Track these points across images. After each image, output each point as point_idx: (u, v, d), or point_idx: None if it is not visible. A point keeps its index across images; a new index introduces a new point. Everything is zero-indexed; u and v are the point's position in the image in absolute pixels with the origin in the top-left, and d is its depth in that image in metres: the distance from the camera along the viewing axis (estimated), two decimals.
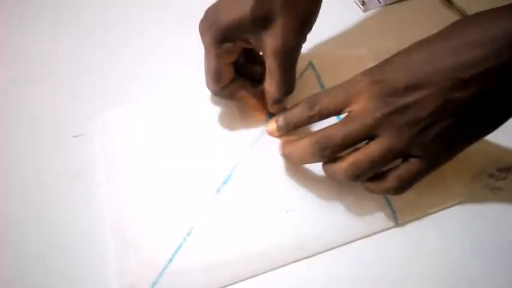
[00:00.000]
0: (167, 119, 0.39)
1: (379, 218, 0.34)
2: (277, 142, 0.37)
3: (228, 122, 0.39)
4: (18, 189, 0.35)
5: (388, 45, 0.36)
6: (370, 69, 0.32)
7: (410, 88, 0.29)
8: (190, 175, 0.36)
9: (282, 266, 0.33)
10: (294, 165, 0.36)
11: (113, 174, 0.36)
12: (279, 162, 0.37)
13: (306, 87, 0.41)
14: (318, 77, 0.42)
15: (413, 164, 0.31)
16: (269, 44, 0.33)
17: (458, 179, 0.36)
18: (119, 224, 0.33)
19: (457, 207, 0.35)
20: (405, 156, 0.31)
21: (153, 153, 0.37)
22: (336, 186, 0.35)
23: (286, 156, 0.35)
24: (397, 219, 0.34)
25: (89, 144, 0.37)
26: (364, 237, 0.34)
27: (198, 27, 0.35)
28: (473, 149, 0.32)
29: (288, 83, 0.35)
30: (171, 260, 0.32)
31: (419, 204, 0.35)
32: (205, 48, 0.35)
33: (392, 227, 0.34)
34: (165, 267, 0.32)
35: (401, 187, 0.31)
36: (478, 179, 0.37)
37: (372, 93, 0.30)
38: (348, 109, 0.32)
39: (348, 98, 0.31)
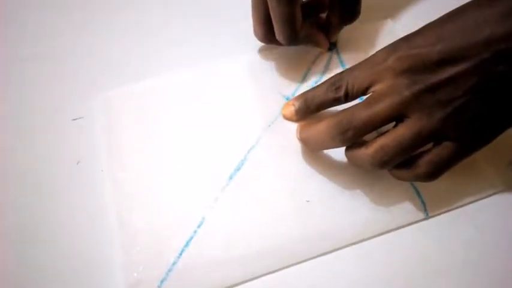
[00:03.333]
0: (176, 100, 0.36)
1: (408, 210, 0.32)
2: (295, 125, 0.34)
3: (242, 103, 0.36)
4: (14, 178, 0.33)
5: (418, 16, 0.35)
6: (396, 42, 0.29)
7: (442, 63, 0.27)
8: (201, 161, 0.33)
9: (302, 261, 0.30)
10: (313, 151, 0.34)
11: (117, 160, 0.33)
12: (297, 147, 0.34)
13: (323, 64, 0.38)
14: (338, 53, 0.39)
15: (446, 148, 0.28)
16: None
17: (493, 167, 0.34)
18: (124, 216, 0.31)
19: (492, 198, 0.33)
20: (437, 139, 0.28)
21: (160, 137, 0.35)
22: (360, 175, 0.33)
23: (303, 141, 0.33)
24: (427, 211, 0.32)
25: (90, 127, 0.35)
26: (391, 230, 0.31)
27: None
28: (509, 133, 0.29)
29: (357, 8, 0.36)
30: (180, 254, 0.30)
31: (450, 195, 0.33)
32: None
33: (422, 220, 0.32)
34: (174, 263, 0.30)
35: (433, 173, 0.29)
36: None
37: (399, 70, 0.28)
38: (373, 89, 0.29)
39: (373, 76, 0.29)
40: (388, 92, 0.28)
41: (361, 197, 0.32)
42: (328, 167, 0.33)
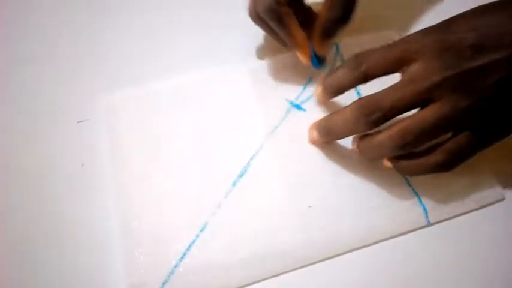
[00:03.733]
0: (180, 104, 0.36)
1: (410, 217, 0.32)
2: (298, 130, 0.35)
3: (246, 109, 0.36)
4: (18, 180, 0.33)
5: (421, 27, 0.32)
6: (429, 27, 0.29)
7: (476, 50, 0.27)
8: (204, 167, 0.33)
9: (303, 266, 0.30)
10: (332, 140, 0.33)
11: (121, 163, 0.33)
12: (300, 153, 0.34)
13: (328, 70, 0.38)
14: (342, 58, 0.39)
15: (464, 137, 0.28)
16: None
17: (496, 175, 0.34)
18: (127, 219, 0.31)
19: (494, 206, 0.33)
20: (458, 128, 0.28)
21: (164, 141, 0.34)
22: (363, 181, 0.33)
23: (324, 130, 0.32)
24: (429, 218, 0.32)
25: (94, 130, 0.35)
26: (393, 237, 0.31)
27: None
28: None
29: (349, 10, 0.32)
30: (182, 257, 0.30)
31: (452, 202, 0.32)
32: None
33: (424, 227, 0.32)
34: (176, 266, 0.30)
35: (450, 161, 0.29)
36: None
37: (432, 54, 0.27)
38: (400, 70, 0.29)
39: (402, 57, 0.28)
40: (419, 75, 0.28)
41: (363, 203, 0.32)
42: (332, 173, 0.33)
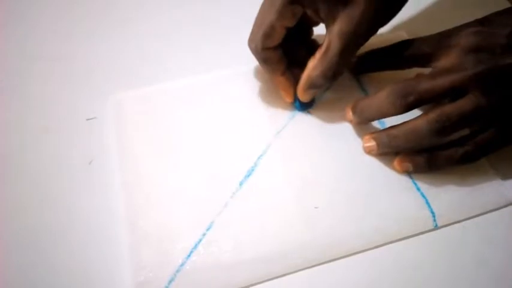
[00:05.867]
0: (187, 104, 0.36)
1: (417, 220, 0.32)
2: (305, 131, 0.35)
3: (253, 110, 0.36)
4: (26, 177, 0.34)
5: (430, 29, 0.33)
6: (465, 23, 0.31)
7: (510, 47, 0.28)
8: (211, 166, 0.34)
9: (308, 267, 0.30)
10: (364, 122, 0.35)
11: (129, 161, 0.34)
12: (307, 154, 0.34)
13: None
14: None
15: (489, 133, 0.30)
16: (341, 22, 0.30)
17: (505, 180, 0.33)
18: (134, 216, 0.31)
19: (502, 211, 0.33)
20: (489, 122, 0.30)
21: (172, 141, 0.35)
22: (370, 183, 0.33)
23: (358, 112, 0.33)
24: (436, 221, 0.32)
25: (103, 128, 0.35)
26: (400, 239, 0.31)
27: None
28: None
29: (337, 71, 0.32)
30: (189, 255, 0.30)
31: (460, 206, 0.32)
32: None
33: (431, 230, 0.32)
34: (182, 264, 0.30)
35: (478, 153, 0.31)
36: None
37: (467, 46, 0.29)
38: (437, 58, 0.31)
39: (440, 47, 0.31)
40: (454, 67, 0.29)
41: (370, 205, 0.32)
42: (338, 174, 0.33)
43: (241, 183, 0.33)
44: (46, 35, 0.41)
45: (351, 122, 0.35)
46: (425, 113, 0.30)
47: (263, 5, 0.33)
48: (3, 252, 0.30)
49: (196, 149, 0.34)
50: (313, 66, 0.32)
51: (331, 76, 0.32)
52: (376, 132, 0.33)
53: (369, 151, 0.34)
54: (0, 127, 0.36)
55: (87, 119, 0.36)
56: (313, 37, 0.37)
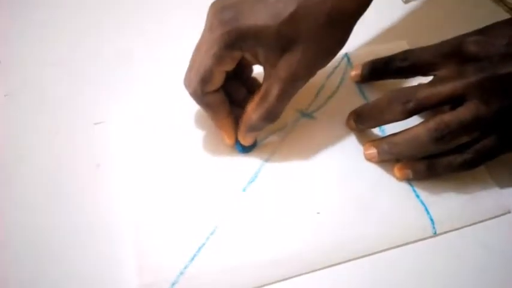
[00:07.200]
0: (194, 109, 0.37)
1: (416, 226, 0.32)
2: (309, 138, 0.35)
3: None
4: (35, 179, 0.34)
5: (430, 39, 0.34)
6: (466, 33, 0.32)
7: (509, 57, 0.29)
8: (216, 172, 0.34)
9: (309, 272, 0.31)
10: (364, 128, 0.35)
11: (135, 166, 0.34)
12: (310, 160, 0.35)
13: (338, 79, 0.39)
14: (352, 67, 0.39)
15: (489, 141, 0.30)
16: (281, 67, 0.29)
17: (503, 188, 0.34)
18: (139, 219, 0.32)
19: (501, 218, 0.33)
20: (489, 129, 0.30)
21: (178, 146, 0.35)
22: (371, 190, 0.33)
23: (358, 116, 0.34)
24: (435, 228, 0.32)
25: (110, 132, 0.36)
26: (399, 246, 0.32)
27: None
28: None
29: (276, 114, 0.31)
30: (192, 259, 0.31)
31: (459, 213, 0.33)
32: (207, 41, 0.30)
33: (430, 237, 0.32)
34: (186, 267, 0.30)
35: (475, 160, 0.31)
36: None
37: (467, 54, 0.30)
38: (437, 67, 0.32)
39: (442, 55, 0.32)
40: (454, 75, 0.30)
41: (370, 212, 0.32)
42: (340, 180, 0.34)
43: (244, 189, 0.33)
44: (56, 40, 0.42)
45: (351, 129, 0.36)
46: (425, 121, 0.31)
47: (198, 48, 0.31)
48: (10, 252, 0.31)
49: (201, 153, 0.35)
50: (252, 109, 0.32)
51: (271, 119, 0.32)
52: (376, 140, 0.34)
53: (369, 158, 0.34)
54: (11, 130, 0.36)
55: (95, 123, 0.36)
56: (253, 75, 0.36)
